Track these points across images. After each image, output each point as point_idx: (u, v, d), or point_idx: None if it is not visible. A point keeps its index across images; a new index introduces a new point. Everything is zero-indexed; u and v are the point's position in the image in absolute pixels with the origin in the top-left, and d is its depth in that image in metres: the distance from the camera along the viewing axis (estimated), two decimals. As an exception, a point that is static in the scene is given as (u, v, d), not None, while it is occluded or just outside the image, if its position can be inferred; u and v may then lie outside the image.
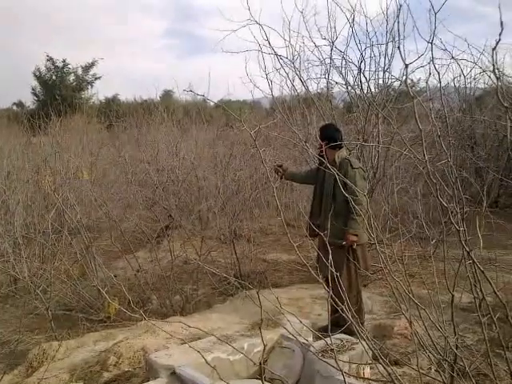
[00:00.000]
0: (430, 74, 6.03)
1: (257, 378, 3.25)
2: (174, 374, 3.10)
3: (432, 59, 2.59)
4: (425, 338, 2.50)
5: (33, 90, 28.09)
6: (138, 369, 3.54)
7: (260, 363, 2.70)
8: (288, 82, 7.02)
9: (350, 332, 3.29)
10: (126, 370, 3.54)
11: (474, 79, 10.16)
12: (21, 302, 5.66)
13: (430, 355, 2.40)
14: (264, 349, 2.36)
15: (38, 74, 27.86)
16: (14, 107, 27.93)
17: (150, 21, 71.72)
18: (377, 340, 3.42)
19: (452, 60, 6.32)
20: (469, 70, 9.23)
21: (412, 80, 8.98)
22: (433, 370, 2.95)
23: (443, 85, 8.49)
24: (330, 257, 2.38)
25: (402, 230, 4.87)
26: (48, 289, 5.37)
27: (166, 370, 3.12)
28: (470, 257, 2.26)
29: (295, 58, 6.75)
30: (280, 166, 4.87)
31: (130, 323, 4.64)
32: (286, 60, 6.72)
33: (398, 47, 6.09)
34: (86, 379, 3.52)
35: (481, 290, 2.35)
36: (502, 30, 1.94)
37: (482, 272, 2.25)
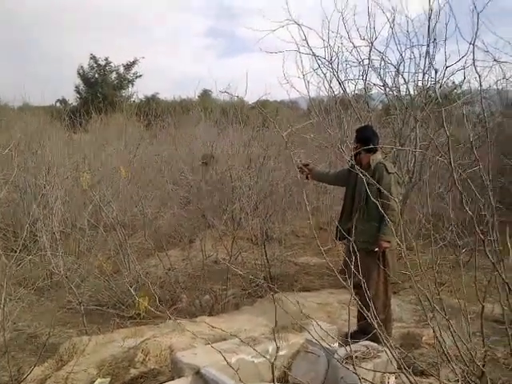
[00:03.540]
0: (465, 77, 5.83)
1: (281, 382, 3.24)
2: (198, 373, 3.12)
3: (473, 61, 2.53)
4: (453, 348, 2.44)
5: (76, 87, 28.66)
6: (165, 367, 3.57)
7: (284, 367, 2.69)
8: (325, 82, 6.99)
9: (376, 339, 3.24)
10: (153, 367, 3.58)
11: (517, 82, 9.82)
12: (55, 295, 5.80)
13: (456, 367, 2.33)
14: (288, 353, 2.34)
15: (81, 72, 28.47)
16: (58, 104, 28.58)
17: (191, 21, 72.57)
18: (404, 349, 3.34)
19: (494, 62, 6.13)
20: (512, 73, 8.92)
21: (453, 82, 8.77)
22: (460, 382, 2.88)
23: (485, 88, 8.27)
24: (359, 262, 2.35)
25: (435, 236, 4.75)
26: (82, 284, 5.50)
27: (190, 369, 3.13)
28: (500, 266, 2.20)
29: (333, 58, 6.73)
30: (306, 166, 4.70)
31: (159, 321, 4.69)
32: (323, 60, 6.70)
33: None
34: (113, 375, 3.57)
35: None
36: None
37: (506, 284, 2.18)
